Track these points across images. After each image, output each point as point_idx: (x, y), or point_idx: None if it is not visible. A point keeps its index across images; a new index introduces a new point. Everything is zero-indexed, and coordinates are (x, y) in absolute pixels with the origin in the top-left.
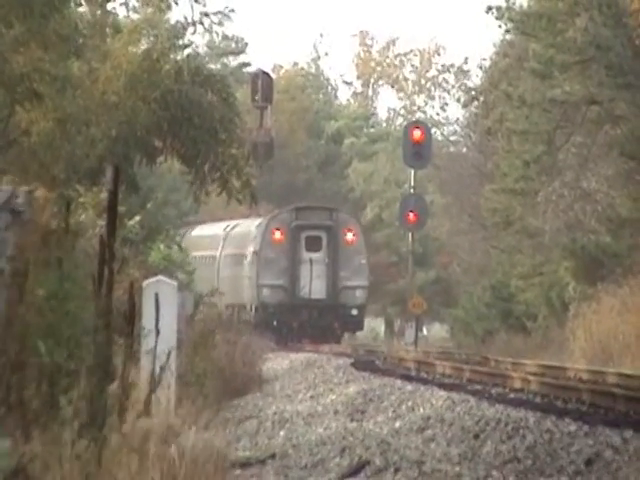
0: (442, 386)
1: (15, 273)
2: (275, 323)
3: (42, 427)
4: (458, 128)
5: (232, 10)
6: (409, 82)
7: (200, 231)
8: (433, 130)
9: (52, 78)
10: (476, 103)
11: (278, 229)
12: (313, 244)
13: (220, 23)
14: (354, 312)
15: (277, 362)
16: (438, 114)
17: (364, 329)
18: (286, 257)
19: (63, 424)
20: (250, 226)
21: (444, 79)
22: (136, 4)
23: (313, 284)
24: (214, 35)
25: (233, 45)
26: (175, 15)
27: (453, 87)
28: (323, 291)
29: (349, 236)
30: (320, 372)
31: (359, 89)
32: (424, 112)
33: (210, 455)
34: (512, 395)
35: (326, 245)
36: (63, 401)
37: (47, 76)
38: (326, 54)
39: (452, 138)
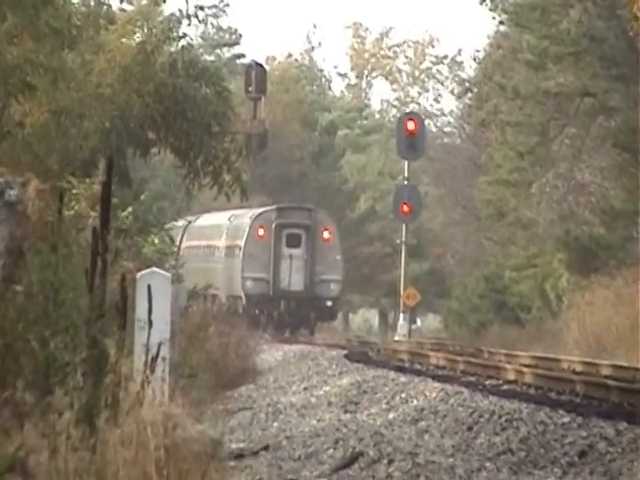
0: (436, 378)
1: (9, 263)
2: (257, 312)
3: (37, 419)
4: (452, 119)
5: (227, 4)
6: (403, 74)
7: (205, 220)
8: (427, 122)
9: (45, 69)
10: (470, 95)
11: (262, 227)
12: (293, 241)
13: (215, 15)
14: (329, 303)
15: (271, 354)
16: (432, 105)
17: (355, 321)
18: (268, 252)
19: (59, 415)
20: (244, 218)
21: (438, 70)
22: None
23: (292, 277)
24: (208, 27)
25: (227, 37)
26: (169, 7)
27: (447, 79)
28: (301, 284)
29: (326, 234)
30: (314, 364)
31: (353, 81)
32: (418, 103)
33: (204, 446)
34: (506, 387)
35: (305, 242)
36: (59, 392)
37: (40, 68)
38: (320, 45)
39: (446, 129)
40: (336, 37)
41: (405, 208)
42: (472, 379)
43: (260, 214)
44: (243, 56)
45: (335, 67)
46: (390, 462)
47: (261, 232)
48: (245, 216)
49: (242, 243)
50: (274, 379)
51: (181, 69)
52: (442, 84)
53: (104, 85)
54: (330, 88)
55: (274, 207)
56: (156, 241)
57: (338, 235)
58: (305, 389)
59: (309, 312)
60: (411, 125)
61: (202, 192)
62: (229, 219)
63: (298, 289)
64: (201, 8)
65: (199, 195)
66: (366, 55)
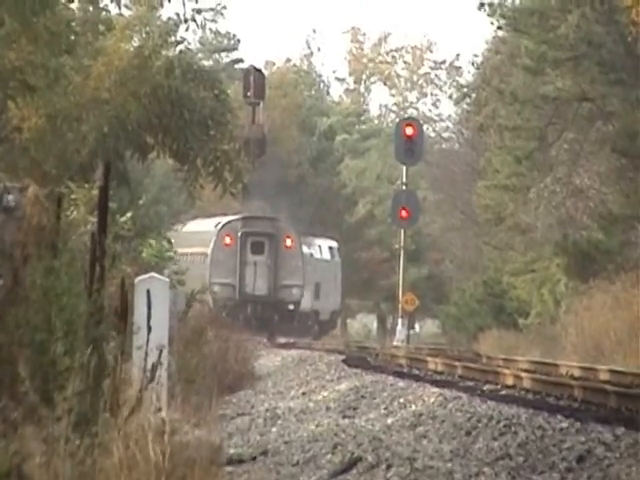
0: (434, 383)
1: (8, 269)
2: (224, 315)
3: (35, 424)
4: (450, 124)
5: (224, 7)
6: (401, 79)
7: (192, 227)
8: (425, 127)
9: (45, 70)
10: (468, 100)
11: (228, 235)
12: (257, 248)
13: (213, 20)
14: (291, 307)
15: (269, 359)
16: (430, 110)
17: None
18: (234, 259)
19: (58, 421)
20: (211, 227)
21: (436, 75)
22: (128, 1)
23: (257, 282)
24: (206, 31)
25: (225, 42)
26: (167, 12)
27: (445, 84)
28: (265, 289)
29: (288, 242)
30: (312, 369)
31: (351, 86)
32: (416, 109)
33: (203, 451)
34: (504, 392)
35: (268, 249)
36: (58, 398)
37: (40, 69)
38: (318, 50)
39: (444, 134)
40: (334, 42)
41: (403, 213)
42: (470, 384)
43: (226, 223)
44: (241, 61)
45: (333, 72)
46: (388, 467)
47: (227, 240)
48: (212, 225)
49: (209, 250)
50: (272, 384)
51: (178, 72)
52: (440, 89)
53: (102, 89)
54: (329, 93)
55: (239, 217)
56: (154, 245)
57: (299, 243)
58: (303, 394)
59: (272, 315)
60: (409, 130)
61: (202, 195)
62: (198, 228)
63: (262, 293)
64: (198, 12)
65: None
66: (364, 60)
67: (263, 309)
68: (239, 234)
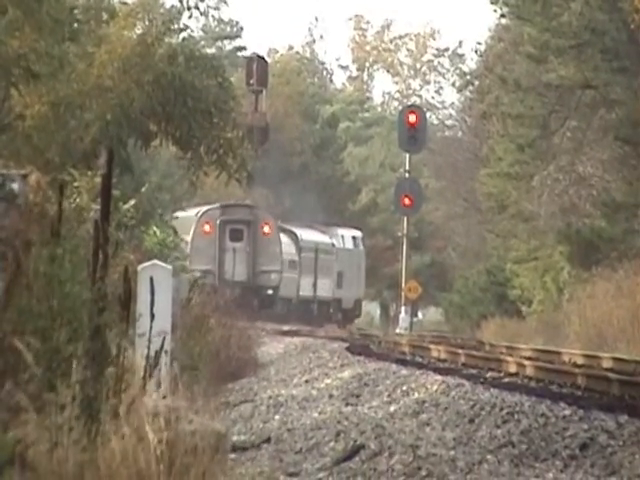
0: (437, 370)
1: (11, 257)
2: None
3: (37, 412)
4: (453, 112)
5: None
6: (404, 66)
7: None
8: (428, 114)
9: (48, 58)
10: (471, 87)
11: (207, 223)
12: (236, 235)
13: (216, 7)
14: (270, 292)
15: (272, 346)
16: (433, 98)
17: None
18: (214, 246)
19: (62, 409)
20: (191, 215)
21: (439, 63)
22: None
23: (236, 269)
24: (209, 19)
25: (228, 29)
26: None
27: (448, 71)
28: (244, 274)
29: (266, 229)
30: (315, 356)
31: (354, 73)
32: (419, 96)
33: (207, 439)
34: (507, 379)
35: (247, 236)
36: (61, 385)
37: (43, 56)
38: (321, 37)
39: (447, 122)
40: (338, 30)
41: (406, 201)
42: (473, 372)
43: (205, 212)
44: (244, 49)
45: (337, 60)
46: (391, 455)
47: (207, 228)
48: (193, 213)
49: (189, 238)
50: (275, 371)
51: (181, 59)
52: (443, 77)
53: (105, 76)
54: (332, 81)
55: (218, 205)
56: (158, 233)
57: (277, 229)
58: (306, 382)
59: (252, 300)
60: (412, 118)
61: (204, 183)
62: (181, 216)
63: (241, 279)
64: None
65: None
66: (367, 48)
67: (243, 294)
68: (218, 222)
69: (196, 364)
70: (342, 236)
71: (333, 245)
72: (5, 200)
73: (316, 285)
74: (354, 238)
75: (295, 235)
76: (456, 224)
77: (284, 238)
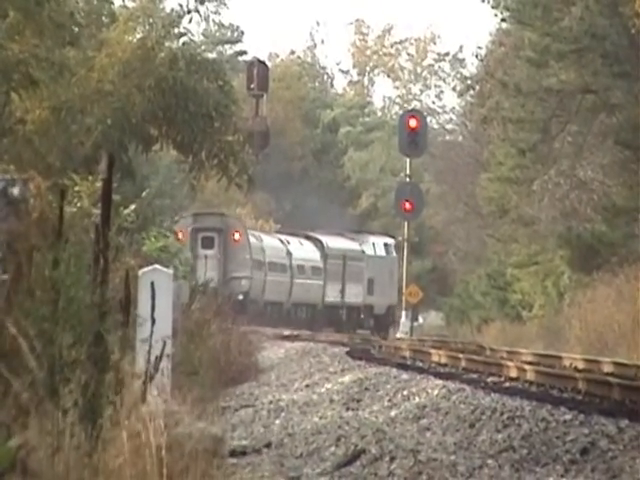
0: (438, 375)
1: (13, 262)
2: None
3: (39, 417)
4: (454, 116)
5: None
6: (405, 71)
7: None
8: (429, 119)
9: (49, 63)
10: (472, 92)
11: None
12: (208, 243)
13: (216, 11)
14: (240, 297)
15: (273, 351)
16: (434, 102)
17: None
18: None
19: (64, 413)
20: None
21: (440, 67)
22: None
23: (208, 275)
24: (210, 23)
25: (229, 33)
26: (170, 3)
27: (449, 76)
28: (215, 281)
29: (236, 236)
30: (316, 361)
31: (355, 78)
32: (420, 101)
33: (206, 444)
34: (508, 384)
35: (218, 244)
36: (63, 390)
37: (44, 62)
38: (322, 42)
39: (448, 126)
40: (338, 34)
41: (407, 205)
42: (474, 376)
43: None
44: (245, 53)
45: (337, 64)
46: (392, 459)
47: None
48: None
49: None
50: (276, 376)
51: (182, 64)
52: (444, 81)
53: (105, 81)
54: (332, 85)
55: (190, 213)
56: (159, 238)
57: (247, 237)
58: (307, 386)
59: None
60: (413, 122)
61: (204, 188)
62: None
63: (213, 286)
64: (202, 3)
65: (201, 192)
66: (368, 52)
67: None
68: (190, 230)
69: (197, 369)
70: (373, 243)
71: (363, 252)
72: (6, 204)
73: (344, 291)
74: (386, 245)
75: (321, 242)
76: (457, 228)
77: (309, 245)
